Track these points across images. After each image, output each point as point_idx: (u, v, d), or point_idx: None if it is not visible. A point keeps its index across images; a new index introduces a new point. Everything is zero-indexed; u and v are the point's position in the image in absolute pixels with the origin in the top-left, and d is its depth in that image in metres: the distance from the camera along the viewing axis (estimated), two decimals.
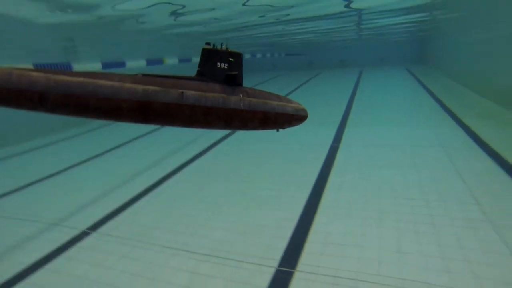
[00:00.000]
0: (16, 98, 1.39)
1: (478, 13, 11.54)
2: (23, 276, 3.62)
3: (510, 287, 2.89)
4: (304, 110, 2.14)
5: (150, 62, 9.82)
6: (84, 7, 6.71)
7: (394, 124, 8.84)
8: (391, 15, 12.36)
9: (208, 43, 1.72)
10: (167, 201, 5.29)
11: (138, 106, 1.59)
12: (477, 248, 3.45)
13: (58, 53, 9.39)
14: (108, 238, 4.28)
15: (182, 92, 1.64)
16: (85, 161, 7.78)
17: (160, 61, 10.64)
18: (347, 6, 9.08)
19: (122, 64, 8.89)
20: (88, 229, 4.53)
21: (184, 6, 7.40)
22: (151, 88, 1.60)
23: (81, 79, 1.52)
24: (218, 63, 1.73)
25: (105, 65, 8.14)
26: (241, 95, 1.82)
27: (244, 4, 7.30)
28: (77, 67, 7.58)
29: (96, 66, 8.12)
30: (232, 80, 1.76)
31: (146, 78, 1.63)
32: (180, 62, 12.41)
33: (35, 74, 1.42)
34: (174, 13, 7.87)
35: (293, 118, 2.02)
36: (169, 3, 6.97)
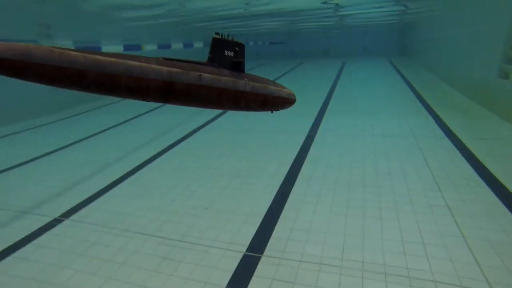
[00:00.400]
0: (57, 75, 1.45)
1: (449, 9, 11.87)
2: None
3: (457, 263, 3.10)
4: (294, 95, 2.43)
5: (127, 47, 9.64)
6: None
7: (371, 114, 9.05)
8: (368, 6, 12.49)
9: (217, 33, 1.93)
10: (142, 188, 5.31)
11: (163, 86, 1.73)
12: (434, 232, 3.65)
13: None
14: (81, 225, 4.29)
15: (200, 75, 1.83)
16: (61, 148, 7.66)
17: (138, 47, 10.49)
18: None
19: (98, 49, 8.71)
20: (60, 216, 4.51)
21: None
22: (174, 70, 1.76)
23: (113, 59, 1.61)
24: (226, 51, 1.97)
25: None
26: (246, 79, 2.05)
27: None
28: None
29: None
30: (238, 67, 2.02)
31: (167, 61, 1.78)
32: (160, 48, 12.27)
33: (73, 53, 1.50)
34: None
35: (286, 101, 2.32)
36: None
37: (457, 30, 11.27)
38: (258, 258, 3.46)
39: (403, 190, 4.64)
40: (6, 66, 1.33)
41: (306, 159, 5.98)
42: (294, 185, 4.99)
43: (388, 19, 17.98)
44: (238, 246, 3.68)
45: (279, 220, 4.14)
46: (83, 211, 4.64)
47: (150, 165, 6.25)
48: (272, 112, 2.37)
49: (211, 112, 9.37)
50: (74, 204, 4.83)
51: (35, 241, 3.99)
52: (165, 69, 1.75)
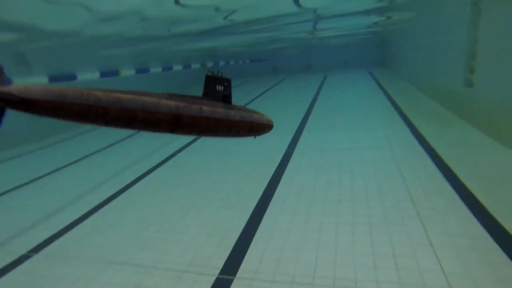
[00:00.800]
0: (86, 112, 1.68)
1: (418, 21, 12.36)
2: None
3: (426, 273, 3.14)
4: (272, 121, 2.64)
5: (104, 75, 9.68)
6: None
7: (349, 127, 9.22)
8: (345, 19, 12.84)
9: (210, 71, 2.20)
10: (117, 216, 5.27)
11: (172, 118, 1.95)
12: (405, 243, 3.70)
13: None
14: (52, 259, 4.22)
15: (201, 108, 2.05)
16: (37, 178, 7.58)
17: (116, 73, 10.53)
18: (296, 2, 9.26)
19: (73, 77, 8.72)
20: (29, 251, 4.43)
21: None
22: (180, 104, 1.98)
23: (130, 96, 1.83)
24: (217, 86, 2.23)
25: (52, 78, 7.92)
26: (236, 110, 2.31)
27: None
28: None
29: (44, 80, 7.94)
30: (227, 99, 2.28)
31: (172, 95, 2.01)
32: (137, 73, 12.34)
33: (98, 92, 1.72)
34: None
35: (266, 127, 2.55)
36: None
37: (427, 40, 11.71)
38: (231, 281, 3.45)
39: (377, 202, 4.71)
40: (45, 106, 1.57)
41: (283, 177, 6.02)
42: (269, 205, 5.01)
43: (365, 31, 18.55)
44: (211, 269, 3.67)
45: (253, 240, 4.14)
46: (55, 243, 4.57)
47: (126, 192, 6.21)
48: (255, 137, 2.61)
49: (185, 138, 9.44)
50: (47, 237, 4.76)
51: (4, 279, 3.90)
52: (173, 103, 1.97)
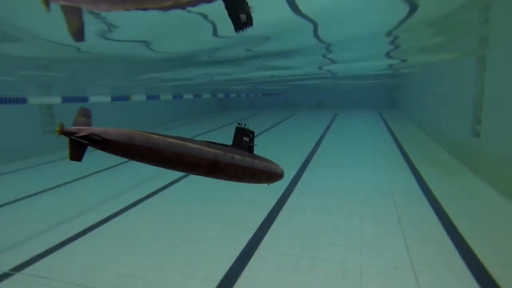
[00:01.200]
0: (146, 153, 1.97)
1: (429, 69, 12.53)
2: None
3: None
4: (283, 172, 2.94)
5: (115, 99, 9.99)
6: None
7: (353, 167, 9.13)
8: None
9: (239, 123, 2.53)
10: (106, 242, 5.21)
11: (210, 164, 2.20)
12: None
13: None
14: (32, 279, 4.15)
15: (233, 156, 2.32)
16: (25, 197, 7.62)
17: (126, 98, 10.87)
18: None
19: (85, 99, 9.03)
20: (11, 270, 4.38)
21: None
22: (217, 151, 2.25)
23: (179, 141, 2.10)
24: (244, 137, 2.52)
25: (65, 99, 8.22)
26: (259, 160, 2.60)
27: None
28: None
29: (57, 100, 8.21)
30: (251, 149, 2.57)
31: (211, 144, 2.30)
32: (148, 99, 12.68)
33: (156, 136, 2.01)
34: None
35: (280, 176, 2.84)
36: None
37: (437, 89, 11.80)
38: None
39: (371, 250, 4.56)
40: (118, 146, 1.87)
41: (279, 215, 5.92)
42: (262, 242, 4.90)
43: (376, 76, 18.85)
44: None
45: (240, 277, 4.02)
46: (40, 263, 4.51)
47: (118, 218, 6.19)
48: (268, 184, 2.87)
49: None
50: (31, 256, 4.72)
51: None
52: (212, 150, 2.23)
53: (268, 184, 2.85)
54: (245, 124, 2.55)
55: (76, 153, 1.81)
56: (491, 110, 7.08)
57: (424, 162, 9.22)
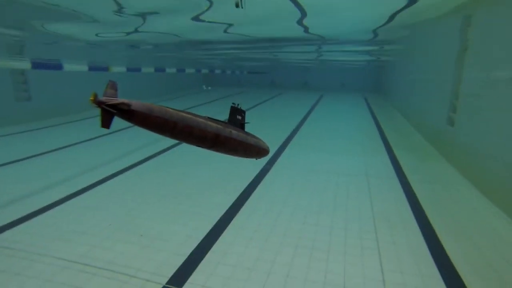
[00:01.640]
0: (162, 124, 2.14)
1: (410, 56, 12.59)
2: None
3: None
4: (269, 148, 3.17)
5: (93, 69, 9.65)
6: None
7: (332, 150, 9.24)
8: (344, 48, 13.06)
9: (234, 103, 2.72)
10: (79, 212, 5.16)
11: (214, 136, 2.40)
12: (358, 275, 3.67)
13: None
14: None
15: (231, 131, 2.53)
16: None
17: (105, 68, 10.54)
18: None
19: (60, 67, 8.66)
20: None
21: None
22: (218, 126, 2.46)
23: (190, 116, 2.30)
24: (237, 116, 2.71)
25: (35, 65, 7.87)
26: (251, 136, 2.80)
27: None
28: None
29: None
30: (243, 126, 2.78)
31: (213, 120, 2.49)
32: (128, 71, 12.33)
33: (171, 110, 2.20)
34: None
35: (266, 152, 3.05)
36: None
37: (419, 76, 11.91)
38: None
39: (341, 230, 4.69)
40: (141, 116, 2.04)
41: (254, 192, 5.98)
42: (234, 219, 4.96)
43: (362, 59, 18.86)
44: (160, 278, 3.58)
45: (209, 252, 4.08)
46: (6, 233, 4.45)
47: (96, 188, 6.12)
48: (256, 159, 3.10)
49: (170, 141, 9.42)
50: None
51: None
52: (214, 125, 2.44)
53: (256, 159, 3.07)
54: (238, 104, 2.74)
55: (107, 121, 1.96)
56: (465, 100, 7.21)
57: (401, 147, 9.41)
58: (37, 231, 4.53)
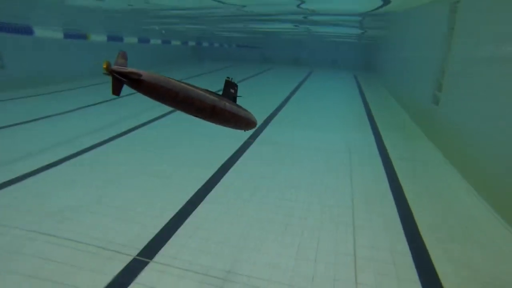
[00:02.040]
0: (166, 93, 2.18)
1: (398, 33, 12.37)
2: None
3: (338, 283, 3.13)
4: (257, 120, 3.26)
5: (69, 36, 9.19)
6: None
7: (317, 126, 9.18)
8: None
9: (228, 77, 2.82)
10: (53, 184, 5.05)
11: (211, 108, 2.49)
12: (330, 250, 3.68)
13: None
14: None
15: (225, 103, 2.63)
16: None
17: (84, 36, 10.06)
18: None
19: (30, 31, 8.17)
20: None
21: None
22: (215, 98, 2.55)
23: (190, 87, 2.36)
24: (231, 89, 2.82)
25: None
26: (242, 108, 2.92)
27: None
28: None
29: None
30: (235, 99, 2.88)
31: (210, 92, 2.57)
32: (109, 40, 11.84)
33: (174, 81, 2.25)
34: None
35: (254, 124, 3.15)
36: None
37: (405, 54, 11.77)
38: (145, 263, 3.34)
39: (317, 206, 4.68)
40: (148, 86, 2.09)
41: (233, 166, 5.92)
42: (210, 192, 4.91)
43: (351, 34, 18.50)
44: (130, 250, 3.54)
45: (183, 225, 4.04)
46: None
47: (73, 160, 5.97)
48: (245, 131, 3.17)
49: (151, 115, 9.28)
50: None
51: None
52: (211, 97, 2.51)
53: (245, 131, 3.17)
54: (231, 78, 2.85)
55: (117, 88, 2.06)
56: (451, 78, 7.14)
57: (387, 126, 9.40)
58: (6, 203, 4.40)
